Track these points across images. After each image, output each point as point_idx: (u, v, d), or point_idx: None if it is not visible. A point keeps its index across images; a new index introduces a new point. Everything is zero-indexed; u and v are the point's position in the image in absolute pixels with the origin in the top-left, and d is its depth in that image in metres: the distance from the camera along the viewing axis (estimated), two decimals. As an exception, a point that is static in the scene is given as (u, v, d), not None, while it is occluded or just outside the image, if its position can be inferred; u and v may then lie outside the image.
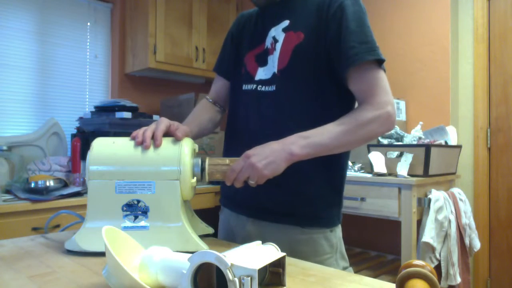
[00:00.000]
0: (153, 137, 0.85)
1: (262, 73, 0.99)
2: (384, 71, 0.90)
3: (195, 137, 1.03)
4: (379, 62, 0.88)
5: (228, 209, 1.09)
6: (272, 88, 0.95)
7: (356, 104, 0.94)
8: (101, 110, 2.29)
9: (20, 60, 2.33)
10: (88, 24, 2.64)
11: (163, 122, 0.87)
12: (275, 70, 0.96)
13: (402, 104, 2.51)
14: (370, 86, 0.87)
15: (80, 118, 2.35)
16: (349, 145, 0.88)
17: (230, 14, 3.04)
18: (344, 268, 0.98)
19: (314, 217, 0.96)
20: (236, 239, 1.04)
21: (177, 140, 0.86)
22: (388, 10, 2.69)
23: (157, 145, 0.84)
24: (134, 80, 2.78)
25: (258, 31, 1.04)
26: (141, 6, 2.58)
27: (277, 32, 0.98)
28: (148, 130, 0.85)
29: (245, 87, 1.02)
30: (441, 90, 2.43)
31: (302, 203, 0.95)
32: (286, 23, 0.97)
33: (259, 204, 0.98)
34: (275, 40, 0.98)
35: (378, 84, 0.87)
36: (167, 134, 0.87)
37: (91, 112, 2.31)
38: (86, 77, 2.63)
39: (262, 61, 1.00)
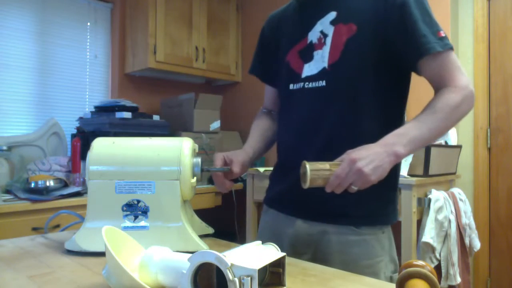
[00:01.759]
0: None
1: (308, 70, 0.94)
2: (453, 49, 0.88)
3: (261, 153, 1.07)
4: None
5: (275, 210, 1.04)
6: (322, 83, 0.91)
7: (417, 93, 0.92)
8: (101, 110, 2.29)
9: (20, 60, 2.33)
10: (88, 24, 2.64)
11: (218, 161, 0.94)
12: (325, 65, 0.91)
13: (402, 104, 2.51)
14: (449, 71, 0.86)
15: (80, 118, 2.35)
16: (445, 131, 0.86)
17: (230, 14, 3.04)
18: (393, 272, 0.94)
19: (368, 216, 0.92)
20: (283, 240, 0.98)
21: (235, 176, 0.93)
22: (388, 10, 2.68)
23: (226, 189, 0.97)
24: (134, 80, 2.78)
25: (298, 26, 0.99)
26: (141, 6, 2.58)
27: (325, 26, 0.92)
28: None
29: (292, 86, 0.97)
30: (441, 90, 2.43)
31: (356, 203, 0.90)
32: (333, 15, 0.92)
33: (309, 205, 0.94)
34: (324, 35, 0.92)
35: (455, 67, 0.86)
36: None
37: (91, 112, 2.31)
38: (86, 77, 2.63)
39: (308, 56, 0.94)
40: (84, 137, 2.16)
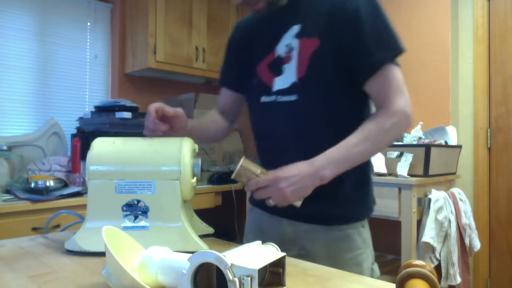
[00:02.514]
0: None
1: (279, 83, 0.96)
2: (399, 66, 0.90)
3: (192, 131, 1.02)
4: (397, 54, 0.89)
5: (260, 209, 1.07)
6: (294, 97, 0.93)
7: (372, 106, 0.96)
8: (101, 110, 2.28)
9: (20, 60, 2.33)
10: (88, 24, 2.64)
11: (155, 104, 0.89)
12: (295, 79, 0.93)
13: (402, 104, 2.50)
14: (386, 90, 0.88)
15: (80, 118, 2.35)
16: (373, 154, 0.90)
17: (230, 14, 3.04)
18: (373, 264, 1.00)
19: (350, 215, 0.97)
20: (269, 238, 1.00)
21: (168, 114, 0.88)
22: (388, 10, 2.67)
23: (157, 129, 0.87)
24: (134, 80, 2.78)
25: (266, 39, 1.01)
26: (141, 6, 2.58)
27: (290, 39, 0.95)
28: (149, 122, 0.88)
29: (263, 99, 0.99)
30: (441, 90, 2.43)
31: (337, 204, 0.96)
32: (296, 28, 0.94)
33: (295, 208, 0.97)
34: (290, 48, 0.95)
35: (393, 87, 0.88)
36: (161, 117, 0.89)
37: (91, 112, 2.31)
38: (86, 77, 2.63)
39: (277, 70, 0.97)
40: (84, 137, 2.16)
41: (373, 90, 0.90)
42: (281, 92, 0.95)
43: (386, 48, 0.87)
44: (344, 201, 0.96)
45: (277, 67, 0.97)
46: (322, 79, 0.91)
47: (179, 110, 0.92)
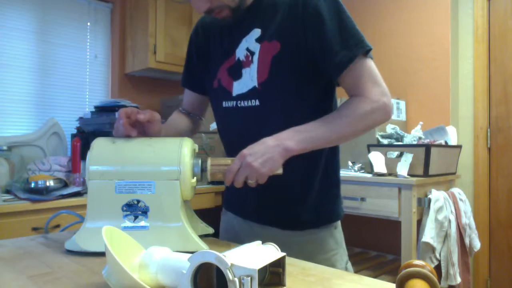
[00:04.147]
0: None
1: (238, 87, 0.95)
2: (372, 58, 0.89)
3: (167, 134, 1.01)
4: (366, 52, 0.87)
5: (233, 213, 1.08)
6: (256, 102, 0.92)
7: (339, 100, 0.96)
8: (101, 110, 2.29)
9: (20, 60, 2.33)
10: (88, 24, 2.64)
11: (127, 108, 0.87)
12: (255, 84, 0.91)
13: (402, 104, 2.51)
14: (360, 81, 0.86)
15: (80, 118, 2.35)
16: (348, 137, 0.88)
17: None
18: (346, 263, 1.01)
19: (322, 218, 0.98)
20: (242, 241, 1.00)
21: (140, 121, 0.86)
22: (388, 10, 2.69)
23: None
24: (134, 80, 2.78)
25: (226, 42, 0.98)
26: (141, 6, 2.58)
27: (251, 43, 0.93)
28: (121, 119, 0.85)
29: (225, 104, 0.98)
30: (441, 90, 2.43)
31: (309, 209, 0.96)
32: (257, 32, 0.92)
33: (266, 214, 0.99)
34: (250, 52, 0.93)
35: (368, 77, 0.86)
36: (135, 123, 0.87)
37: (91, 112, 2.31)
38: (86, 77, 2.63)
39: (236, 74, 0.95)
40: (84, 137, 2.16)
41: (346, 84, 0.89)
42: (241, 97, 0.94)
43: (352, 45, 0.85)
44: (315, 205, 0.96)
45: (236, 71, 0.95)
46: (284, 84, 0.90)
47: (155, 115, 0.89)
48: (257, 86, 0.91)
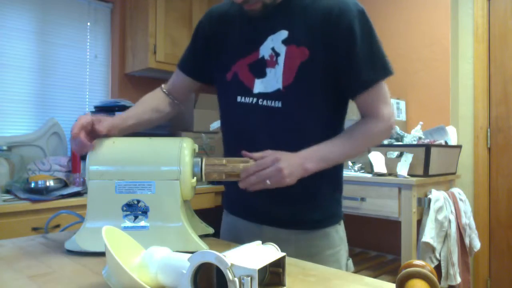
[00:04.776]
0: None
1: (261, 86, 0.94)
2: (386, 77, 0.93)
3: (130, 130, 1.00)
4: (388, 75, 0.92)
5: (235, 216, 1.07)
6: (278, 104, 0.92)
7: (355, 115, 1.00)
8: (101, 110, 2.29)
9: (20, 60, 2.33)
10: (88, 24, 2.64)
11: (81, 119, 0.86)
12: (280, 86, 0.92)
13: (402, 104, 2.51)
14: (374, 103, 0.92)
15: (80, 118, 2.35)
16: (355, 155, 0.96)
17: (230, 14, 3.04)
18: (347, 259, 1.04)
19: (326, 218, 1.00)
20: (245, 243, 1.01)
21: (100, 133, 0.86)
22: (388, 10, 2.69)
23: (84, 150, 0.84)
24: (134, 80, 2.78)
25: (248, 37, 0.97)
26: (141, 6, 2.58)
27: (277, 44, 0.92)
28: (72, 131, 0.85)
29: (240, 99, 0.97)
30: (441, 90, 2.43)
31: (314, 210, 0.98)
32: (284, 34, 0.92)
33: (272, 214, 0.99)
34: (275, 53, 0.92)
35: (381, 99, 0.92)
36: (91, 131, 0.87)
37: (91, 112, 2.31)
38: (86, 77, 2.63)
39: (259, 72, 0.94)
40: (84, 137, 2.15)
41: (362, 102, 0.93)
42: (263, 96, 0.94)
43: (378, 68, 0.90)
44: (321, 206, 0.99)
45: (259, 69, 0.94)
46: (309, 91, 0.92)
47: (113, 127, 0.90)
48: (281, 88, 0.92)
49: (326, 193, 0.99)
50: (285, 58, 0.91)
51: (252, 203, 1.00)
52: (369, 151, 2.11)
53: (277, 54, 0.92)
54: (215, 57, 1.03)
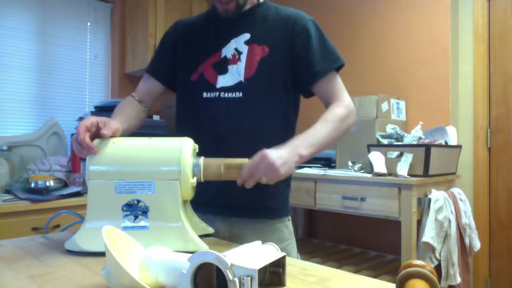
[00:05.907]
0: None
1: (223, 81, 1.05)
2: (339, 70, 1.07)
3: (123, 135, 1.00)
4: (337, 69, 1.05)
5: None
6: (239, 94, 1.03)
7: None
8: (101, 110, 2.29)
9: (20, 60, 2.33)
10: (88, 24, 2.64)
11: (87, 121, 0.86)
12: (242, 79, 1.03)
13: (402, 104, 2.51)
14: (335, 90, 1.05)
15: (80, 118, 2.35)
16: (335, 140, 1.01)
17: (230, 14, 3.04)
18: (297, 252, 1.14)
19: (277, 209, 1.10)
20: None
21: (103, 137, 0.85)
22: (388, 10, 2.69)
23: (88, 153, 0.83)
24: (134, 80, 2.78)
25: (212, 40, 1.09)
26: (141, 6, 2.58)
27: (239, 45, 1.05)
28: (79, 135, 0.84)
29: (206, 94, 1.06)
30: (441, 90, 2.43)
31: (267, 197, 1.06)
32: (247, 36, 1.06)
33: (227, 201, 1.06)
34: (238, 52, 1.05)
35: (340, 86, 1.06)
36: (95, 133, 0.87)
37: (91, 112, 2.31)
38: (86, 77, 2.63)
39: (222, 69, 1.05)
40: (84, 137, 2.15)
41: (322, 90, 1.05)
42: (225, 89, 1.04)
43: (331, 59, 1.04)
44: (273, 195, 1.07)
45: (222, 66, 1.06)
46: (267, 82, 1.03)
47: (117, 130, 0.91)
48: (243, 80, 1.03)
49: (280, 186, 1.04)
50: (247, 55, 1.04)
51: (208, 194, 1.03)
52: (368, 151, 2.12)
53: (240, 53, 1.05)
54: (180, 61, 1.14)
